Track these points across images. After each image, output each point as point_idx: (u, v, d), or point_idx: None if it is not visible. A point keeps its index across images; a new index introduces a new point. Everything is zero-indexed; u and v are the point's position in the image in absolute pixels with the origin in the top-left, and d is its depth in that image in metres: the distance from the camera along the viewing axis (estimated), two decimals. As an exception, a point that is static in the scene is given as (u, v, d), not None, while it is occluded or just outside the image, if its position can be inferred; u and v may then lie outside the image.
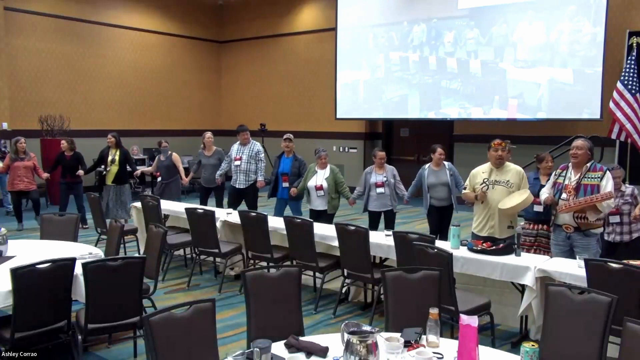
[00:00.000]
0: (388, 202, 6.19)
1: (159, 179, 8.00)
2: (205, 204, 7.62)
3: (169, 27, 13.84)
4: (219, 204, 7.78)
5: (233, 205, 7.22)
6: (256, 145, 7.41)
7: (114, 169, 7.83)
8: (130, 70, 13.06)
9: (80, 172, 8.18)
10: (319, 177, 6.31)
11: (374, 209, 6.25)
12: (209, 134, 8.04)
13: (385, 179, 6.17)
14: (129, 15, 12.96)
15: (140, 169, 8.73)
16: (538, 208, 4.92)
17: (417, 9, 10.70)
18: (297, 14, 13.61)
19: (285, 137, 7.05)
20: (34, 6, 11.24)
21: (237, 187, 7.33)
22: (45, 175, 8.26)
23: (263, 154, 7.43)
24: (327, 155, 6.49)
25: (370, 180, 6.20)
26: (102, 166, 8.09)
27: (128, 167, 8.15)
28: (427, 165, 6.20)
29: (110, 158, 7.86)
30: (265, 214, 5.41)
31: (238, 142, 7.43)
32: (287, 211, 6.87)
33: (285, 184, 6.84)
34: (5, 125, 10.33)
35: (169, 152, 8.09)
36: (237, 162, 7.29)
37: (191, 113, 14.50)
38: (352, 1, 11.79)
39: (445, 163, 6.14)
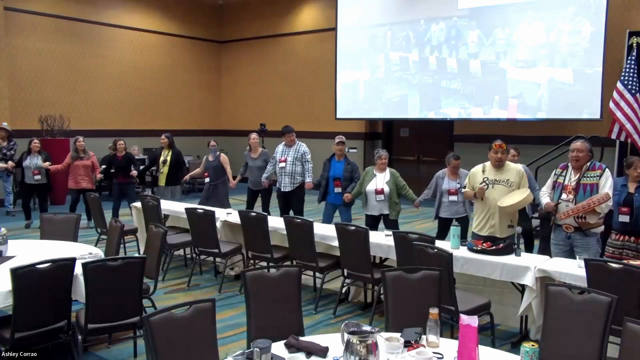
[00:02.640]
0: (461, 209, 5.76)
1: (207, 180, 7.61)
2: (252, 208, 7.43)
3: (169, 27, 13.84)
4: (265, 207, 7.55)
5: (284, 209, 7.02)
6: (302, 146, 7.09)
7: (165, 170, 7.72)
8: (130, 70, 13.06)
9: (134, 172, 8.15)
10: (379, 181, 5.91)
11: (446, 216, 5.81)
12: (254, 135, 7.70)
13: (459, 185, 5.72)
14: (129, 15, 12.96)
15: (190, 173, 8.35)
16: (624, 218, 4.55)
17: (417, 9, 10.70)
18: (297, 14, 13.61)
19: (337, 140, 6.60)
20: (34, 6, 11.24)
21: (282, 190, 7.05)
22: (100, 175, 8.29)
23: (310, 155, 7.10)
24: (387, 156, 6.09)
25: (443, 186, 5.81)
26: (155, 167, 8.05)
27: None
28: None
29: (162, 159, 7.76)
30: (264, 215, 5.41)
31: (283, 143, 7.14)
32: (337, 217, 6.61)
33: (338, 189, 6.43)
34: (5, 125, 10.32)
35: (217, 152, 7.75)
36: (282, 164, 7.00)
37: (191, 113, 14.51)
38: (352, 1, 11.79)
39: (520, 166, 5.85)
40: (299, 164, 6.99)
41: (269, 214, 7.26)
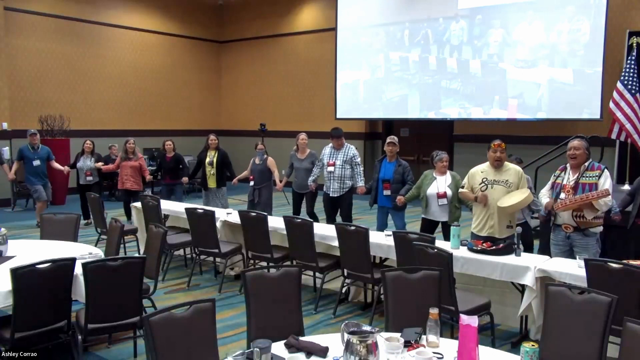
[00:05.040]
0: (521, 215, 5.28)
1: (251, 183, 7.35)
2: (299, 212, 7.26)
3: (169, 27, 13.84)
4: (310, 210, 7.31)
5: (331, 216, 6.75)
6: (351, 149, 6.76)
7: (213, 171, 7.51)
8: (130, 70, 13.06)
9: (185, 179, 8.04)
10: (440, 184, 5.52)
11: None
12: (303, 135, 7.35)
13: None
14: (129, 15, 12.96)
15: (239, 176, 7.87)
16: None
17: (417, 8, 10.71)
18: (297, 14, 13.61)
19: (389, 140, 6.23)
20: (34, 6, 11.24)
21: (330, 195, 6.71)
22: (149, 177, 8.33)
23: (359, 158, 6.80)
24: (448, 159, 5.70)
25: None
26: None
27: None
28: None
29: (208, 160, 7.56)
30: (264, 215, 5.41)
31: (330, 145, 6.80)
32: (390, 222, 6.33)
33: (387, 192, 6.06)
34: (5, 125, 10.33)
35: (265, 155, 7.47)
36: (330, 168, 6.65)
37: (191, 113, 14.51)
38: (352, 1, 11.79)
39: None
40: (348, 167, 6.65)
41: (315, 217, 7.07)
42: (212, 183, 7.56)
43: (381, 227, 6.18)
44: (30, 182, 8.41)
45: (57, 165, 8.65)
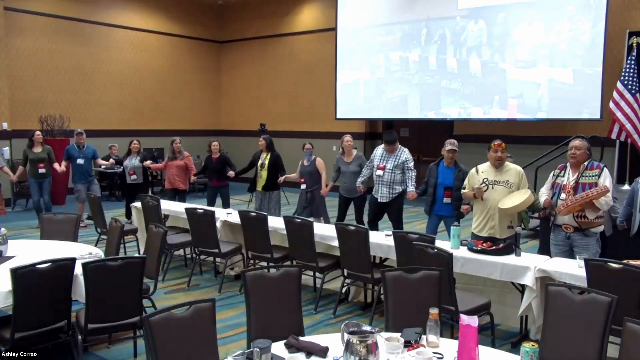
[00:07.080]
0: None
1: (303, 186, 7.07)
2: (344, 217, 7.00)
3: (169, 27, 13.85)
4: (359, 217, 6.96)
5: (374, 220, 6.48)
6: (404, 153, 6.32)
7: (263, 174, 7.21)
8: (130, 70, 13.06)
9: (231, 173, 7.72)
10: None
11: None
12: (348, 137, 7.01)
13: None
14: (129, 15, 12.96)
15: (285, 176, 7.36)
16: None
17: (417, 8, 10.70)
18: (297, 14, 13.61)
19: (450, 147, 5.64)
20: (34, 6, 11.24)
21: (379, 200, 6.38)
22: (193, 178, 8.32)
23: (412, 162, 6.32)
24: None
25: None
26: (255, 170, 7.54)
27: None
28: None
29: (260, 162, 7.29)
30: (264, 215, 5.40)
31: (382, 147, 6.44)
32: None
33: (447, 200, 5.61)
34: (5, 125, 10.34)
35: (313, 156, 7.17)
36: (380, 172, 6.30)
37: (191, 113, 14.51)
38: (352, 1, 11.79)
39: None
40: (398, 171, 6.26)
41: (363, 224, 6.68)
42: (260, 186, 7.29)
43: (431, 234, 5.60)
44: (73, 180, 8.54)
45: (101, 162, 8.92)
